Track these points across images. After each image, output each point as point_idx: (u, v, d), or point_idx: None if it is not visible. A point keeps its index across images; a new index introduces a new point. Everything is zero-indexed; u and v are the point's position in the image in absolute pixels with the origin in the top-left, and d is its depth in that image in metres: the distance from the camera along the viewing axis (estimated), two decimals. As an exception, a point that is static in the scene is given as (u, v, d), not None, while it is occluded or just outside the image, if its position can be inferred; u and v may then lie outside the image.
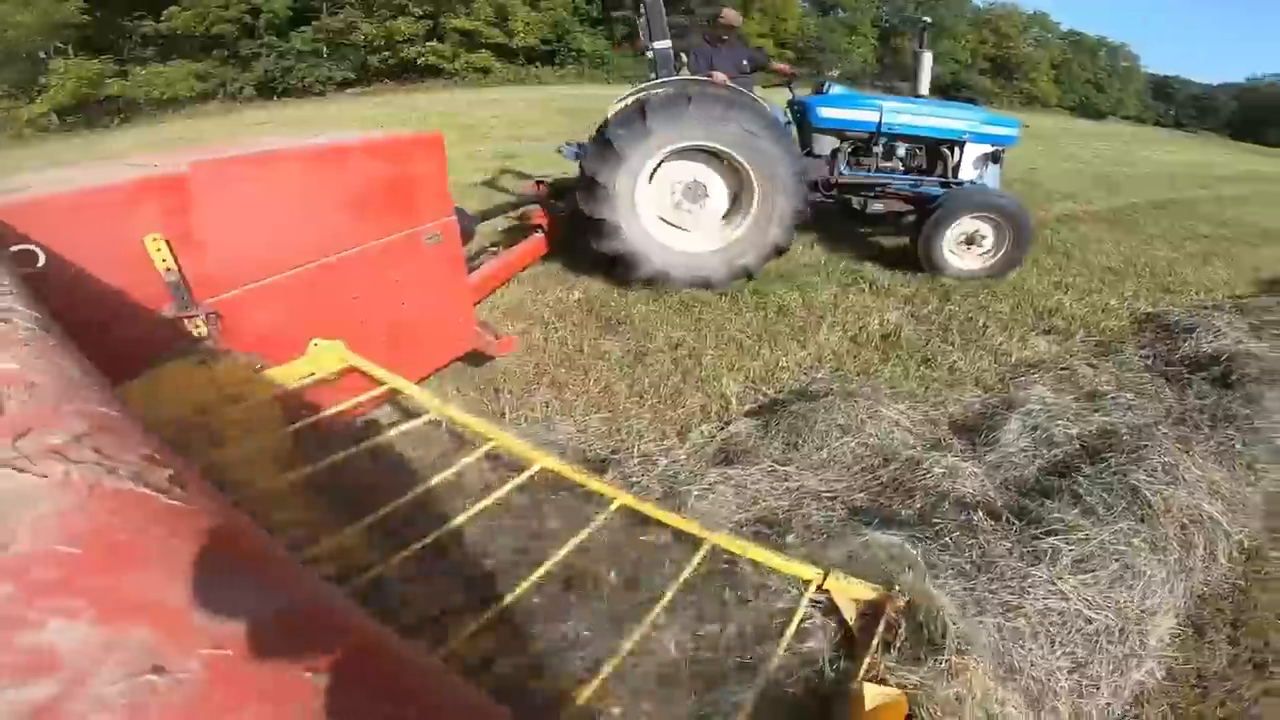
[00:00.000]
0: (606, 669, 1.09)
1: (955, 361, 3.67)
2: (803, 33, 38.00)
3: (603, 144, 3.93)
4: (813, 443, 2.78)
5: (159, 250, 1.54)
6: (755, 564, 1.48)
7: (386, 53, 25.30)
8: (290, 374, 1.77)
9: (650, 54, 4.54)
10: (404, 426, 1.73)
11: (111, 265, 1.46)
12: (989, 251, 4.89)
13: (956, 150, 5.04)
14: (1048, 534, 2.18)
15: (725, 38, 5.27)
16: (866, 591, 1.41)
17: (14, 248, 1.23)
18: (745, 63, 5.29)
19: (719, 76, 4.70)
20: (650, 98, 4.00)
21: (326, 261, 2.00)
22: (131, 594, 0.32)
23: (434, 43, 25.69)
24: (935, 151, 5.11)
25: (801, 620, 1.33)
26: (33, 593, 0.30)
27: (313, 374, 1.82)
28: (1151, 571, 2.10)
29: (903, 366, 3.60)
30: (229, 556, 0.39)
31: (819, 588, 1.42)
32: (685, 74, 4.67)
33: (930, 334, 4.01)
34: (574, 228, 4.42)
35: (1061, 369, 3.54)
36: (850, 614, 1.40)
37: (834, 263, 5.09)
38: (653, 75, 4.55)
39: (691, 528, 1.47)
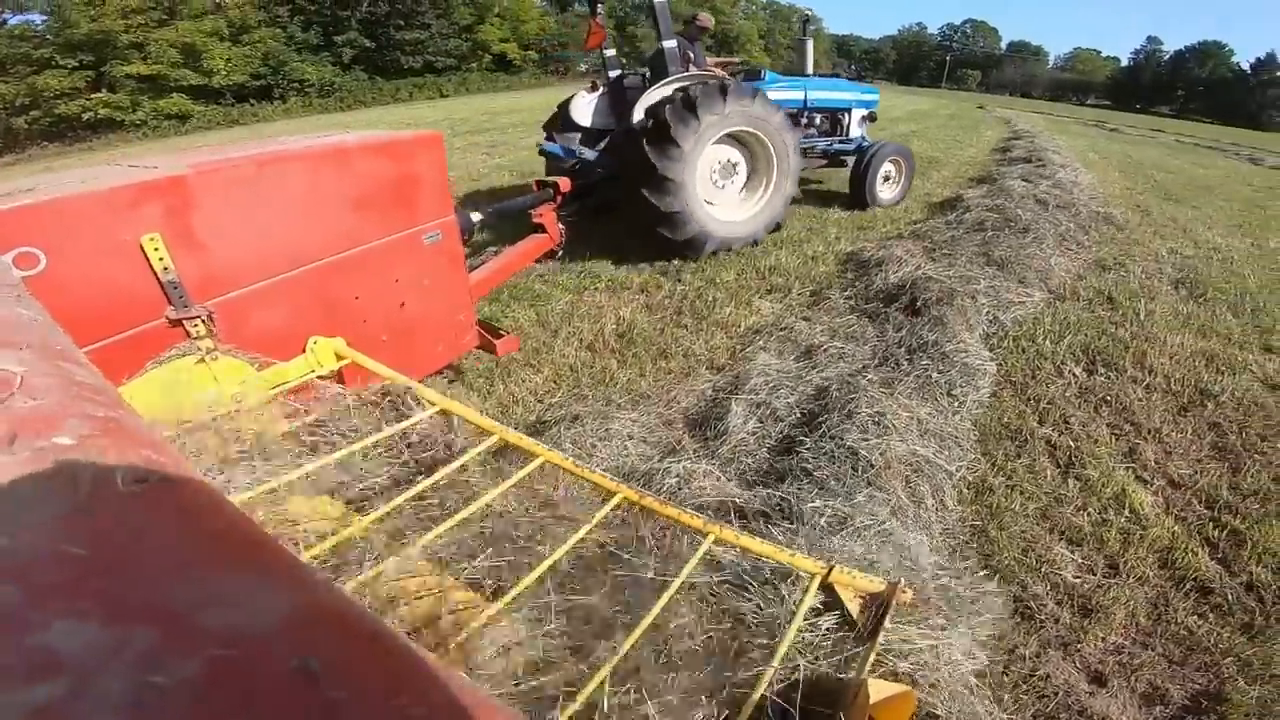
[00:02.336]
0: (611, 663, 1.05)
1: (689, 346, 3.49)
2: (544, 31, 38.04)
3: (666, 142, 4.14)
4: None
5: (156, 250, 1.49)
6: (759, 557, 1.41)
7: (36, 112, 20.19)
8: (290, 371, 1.75)
9: (610, 53, 5.18)
10: (406, 422, 1.65)
11: (113, 267, 1.43)
12: (894, 183, 6.49)
13: (847, 115, 6.37)
14: (799, 525, 2.00)
15: (697, 38, 5.61)
16: (871, 584, 1.33)
17: (16, 250, 1.21)
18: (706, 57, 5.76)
19: (716, 69, 5.22)
20: (694, 92, 4.22)
21: (327, 262, 1.94)
22: (136, 595, 0.31)
23: (103, 93, 21.06)
24: (835, 118, 6.33)
25: (806, 614, 1.27)
26: (37, 595, 0.29)
27: (312, 371, 1.79)
28: (903, 539, 1.97)
29: (639, 366, 3.32)
30: (233, 556, 0.37)
31: (823, 581, 1.33)
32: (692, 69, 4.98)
33: (664, 321, 3.81)
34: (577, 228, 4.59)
35: (782, 330, 3.52)
36: (854, 607, 1.32)
37: (569, 269, 4.74)
38: (610, 73, 5.22)
39: (694, 521, 1.41)
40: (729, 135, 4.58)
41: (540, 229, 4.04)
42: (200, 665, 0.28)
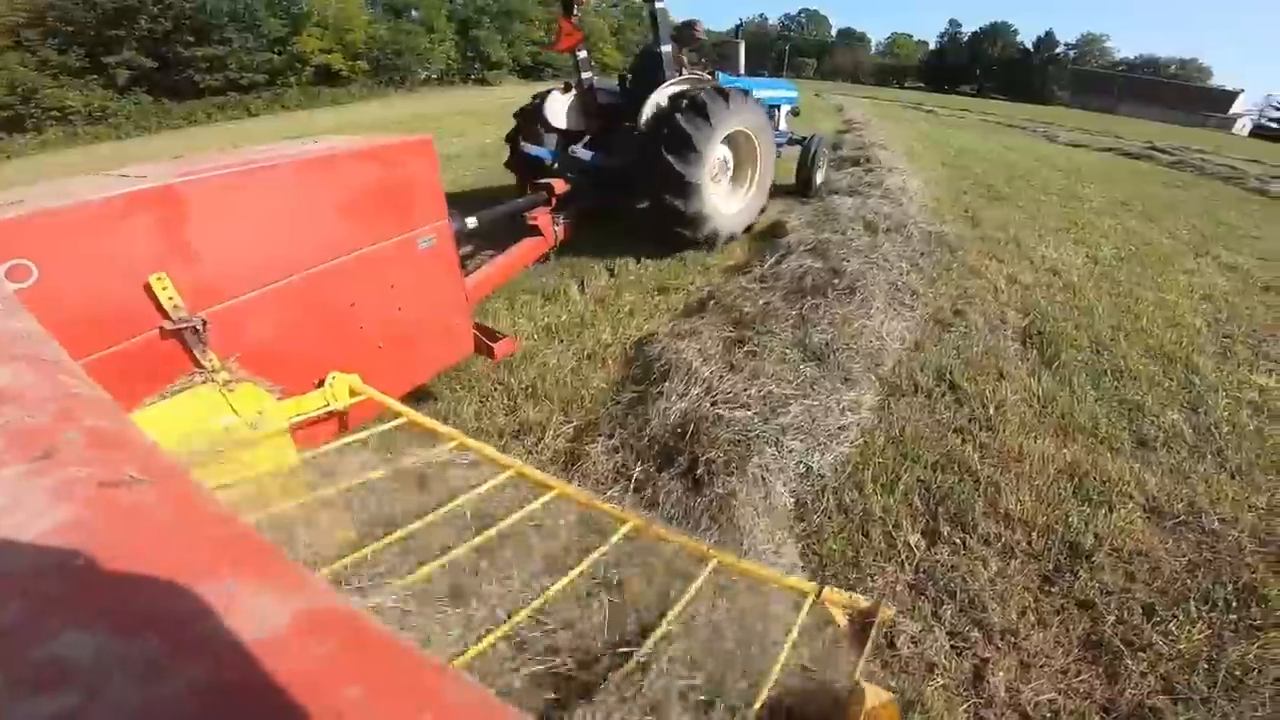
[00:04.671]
0: (620, 674, 1.07)
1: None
2: (373, 40, 34.33)
3: (686, 149, 4.23)
4: None
5: (165, 289, 1.45)
6: (757, 579, 1.43)
7: None
8: (307, 404, 1.73)
9: (583, 55, 5.02)
10: (422, 455, 1.63)
11: (105, 278, 1.38)
12: (821, 170, 6.84)
13: (778, 111, 6.62)
14: None
15: (688, 45, 5.53)
16: (860, 602, 1.34)
17: (8, 263, 1.19)
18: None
19: (702, 72, 5.29)
20: (703, 98, 4.31)
21: (322, 269, 1.86)
22: (141, 604, 0.31)
23: None
24: (770, 114, 6.03)
25: (800, 629, 1.27)
26: (42, 607, 0.29)
27: (328, 404, 1.77)
28: None
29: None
30: (237, 564, 0.36)
31: (816, 597, 1.34)
32: (685, 73, 5.07)
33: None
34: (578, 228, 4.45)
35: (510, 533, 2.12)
36: (844, 622, 1.33)
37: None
38: (584, 75, 5.06)
39: (698, 547, 1.44)
40: (726, 135, 4.65)
41: (536, 232, 3.87)
42: (207, 673, 0.27)
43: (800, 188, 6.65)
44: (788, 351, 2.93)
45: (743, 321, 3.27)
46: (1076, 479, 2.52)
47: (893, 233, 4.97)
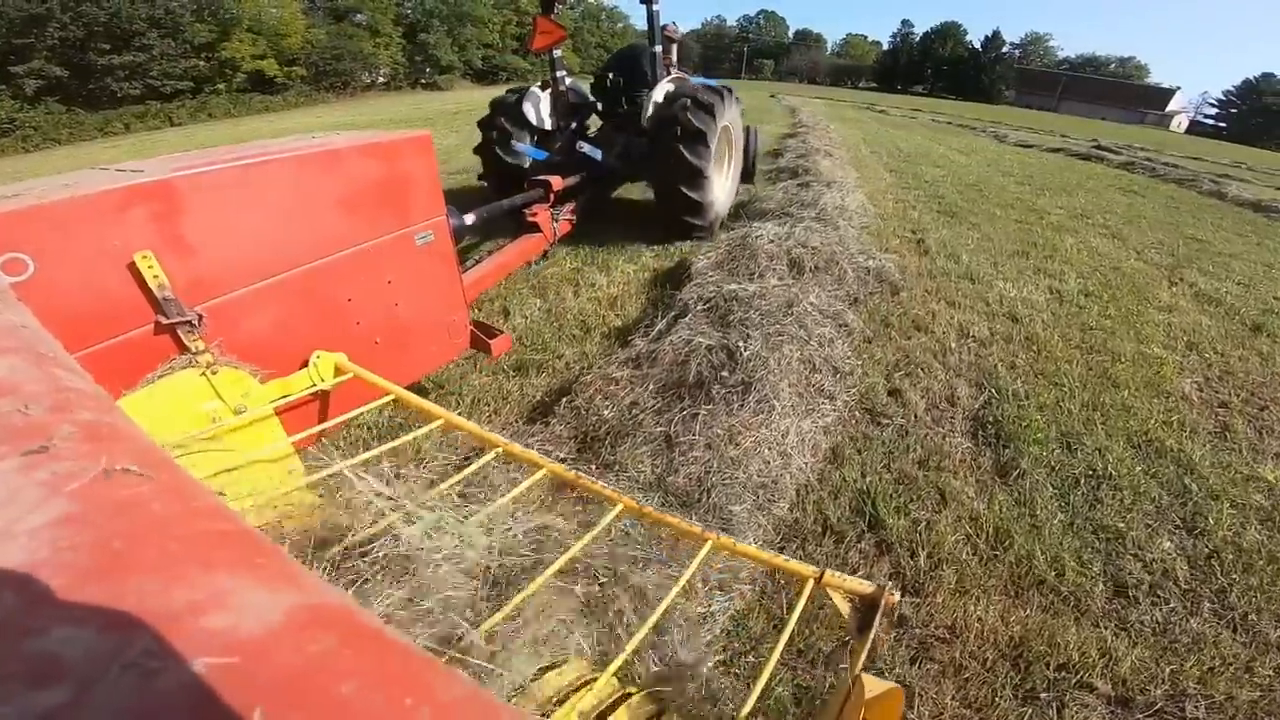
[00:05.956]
0: (618, 660, 1.05)
1: None
2: (312, 45, 32.50)
3: (699, 144, 4.51)
4: None
5: (150, 267, 1.39)
6: (756, 561, 1.35)
7: None
8: (292, 384, 1.70)
9: (557, 52, 5.05)
10: (409, 435, 1.59)
11: (101, 272, 1.34)
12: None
13: None
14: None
15: (668, 48, 5.82)
16: (862, 587, 1.24)
17: (4, 256, 1.17)
18: None
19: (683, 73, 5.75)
20: (706, 96, 4.61)
21: (319, 264, 1.82)
22: (133, 600, 0.29)
23: None
24: None
25: (801, 614, 1.18)
26: (35, 602, 0.28)
27: (314, 384, 1.74)
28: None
29: None
30: (229, 558, 0.35)
31: (816, 582, 1.26)
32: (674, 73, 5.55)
33: None
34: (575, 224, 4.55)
35: None
36: (845, 608, 1.24)
37: None
38: (559, 74, 5.18)
39: (693, 529, 1.37)
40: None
41: (535, 228, 3.84)
42: (202, 668, 0.26)
43: (745, 175, 6.93)
44: (639, 497, 1.99)
45: (591, 441, 2.33)
46: (1022, 667, 1.70)
47: (822, 272, 4.09)
